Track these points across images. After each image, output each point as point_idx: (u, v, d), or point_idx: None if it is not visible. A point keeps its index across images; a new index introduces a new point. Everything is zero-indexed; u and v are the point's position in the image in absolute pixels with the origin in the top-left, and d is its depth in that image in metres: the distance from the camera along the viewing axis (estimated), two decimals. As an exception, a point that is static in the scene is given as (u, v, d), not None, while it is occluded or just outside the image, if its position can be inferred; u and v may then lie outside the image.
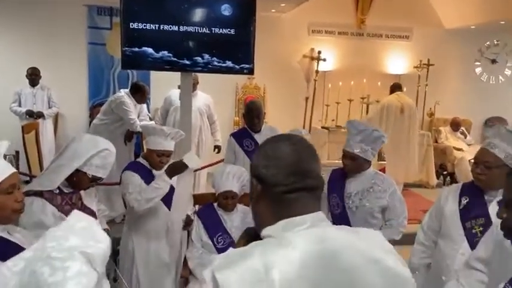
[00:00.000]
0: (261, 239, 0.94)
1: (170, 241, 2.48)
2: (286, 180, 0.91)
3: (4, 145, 1.39)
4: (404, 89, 6.53)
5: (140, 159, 2.53)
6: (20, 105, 5.35)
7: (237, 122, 6.59)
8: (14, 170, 1.41)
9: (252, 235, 1.03)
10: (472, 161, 1.91)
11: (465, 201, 1.87)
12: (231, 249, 0.89)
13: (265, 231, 0.92)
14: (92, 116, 6.08)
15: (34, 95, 5.39)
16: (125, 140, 4.33)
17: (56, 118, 5.90)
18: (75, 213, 0.84)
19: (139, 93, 4.36)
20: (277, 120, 6.66)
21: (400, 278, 0.90)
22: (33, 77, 5.36)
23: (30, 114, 5.26)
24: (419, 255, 2.07)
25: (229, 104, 6.59)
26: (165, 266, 2.48)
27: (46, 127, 5.42)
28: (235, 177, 2.46)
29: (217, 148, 4.83)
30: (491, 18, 6.07)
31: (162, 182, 2.33)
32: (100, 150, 1.89)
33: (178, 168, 2.38)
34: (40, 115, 5.31)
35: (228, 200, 2.44)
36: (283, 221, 0.90)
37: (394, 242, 2.33)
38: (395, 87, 5.85)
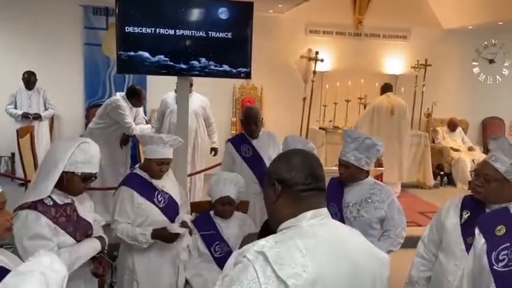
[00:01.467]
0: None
1: (170, 253, 2.45)
2: (305, 181, 1.15)
3: None
4: (402, 89, 6.56)
5: (138, 171, 2.47)
6: (15, 108, 5.30)
7: (234, 122, 6.56)
8: (1, 189, 1.39)
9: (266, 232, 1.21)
10: (472, 171, 1.89)
11: (466, 215, 1.85)
12: (262, 240, 1.06)
13: (285, 224, 1.13)
14: (87, 117, 6.05)
15: (30, 97, 5.35)
16: (121, 143, 4.29)
17: (52, 119, 5.87)
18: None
19: (136, 97, 4.31)
20: (275, 121, 6.66)
21: (381, 257, 1.20)
22: (29, 83, 5.34)
23: (26, 116, 5.23)
24: (419, 268, 2.03)
25: (226, 104, 6.57)
26: (166, 277, 2.45)
27: (42, 129, 5.39)
28: (232, 183, 2.44)
29: (214, 150, 4.80)
30: (489, 18, 6.06)
31: (143, 238, 2.31)
32: (78, 144, 1.85)
33: (164, 237, 2.35)
34: (37, 117, 5.27)
35: (225, 206, 2.42)
36: (302, 214, 1.12)
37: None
38: (386, 88, 5.84)
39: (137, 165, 2.59)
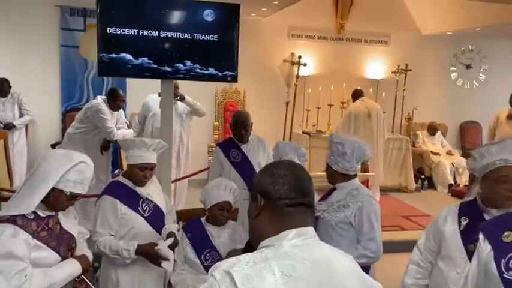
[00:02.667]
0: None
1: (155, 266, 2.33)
2: (290, 195, 1.05)
3: None
4: (383, 94, 6.62)
5: (121, 179, 2.35)
6: None
7: (216, 126, 6.47)
8: None
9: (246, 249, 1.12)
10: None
11: (465, 222, 1.82)
12: (234, 257, 0.97)
13: (265, 242, 1.03)
14: (64, 121, 5.83)
15: (3, 103, 5.09)
16: (101, 149, 4.12)
17: (27, 124, 5.61)
18: None
19: (112, 100, 4.13)
20: (257, 125, 6.53)
21: (375, 286, 1.08)
22: (2, 92, 5.08)
23: None
24: (415, 275, 1.98)
25: (208, 108, 6.39)
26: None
27: (17, 135, 5.14)
28: (231, 190, 2.39)
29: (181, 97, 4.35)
30: (467, 25, 6.20)
31: (126, 254, 2.19)
32: (75, 164, 1.74)
33: (150, 255, 2.22)
34: (10, 126, 5.02)
35: (223, 211, 2.35)
36: (284, 232, 1.02)
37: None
38: (358, 94, 5.91)
39: (116, 171, 2.47)
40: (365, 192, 2.26)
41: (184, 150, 4.67)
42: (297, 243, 1.00)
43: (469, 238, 1.76)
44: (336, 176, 2.27)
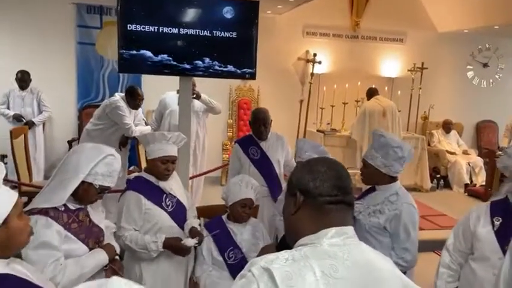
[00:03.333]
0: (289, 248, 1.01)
1: (179, 259, 2.33)
2: (331, 192, 1.02)
3: (2, 170, 1.26)
4: (399, 92, 6.56)
5: (143, 174, 2.36)
6: (8, 108, 5.12)
7: (230, 124, 6.47)
8: (16, 193, 1.31)
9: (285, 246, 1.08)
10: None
11: (498, 222, 1.79)
12: (272, 254, 0.95)
13: (304, 240, 1.00)
14: (80, 118, 5.89)
15: (23, 98, 5.16)
16: (120, 145, 4.15)
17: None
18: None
19: (131, 98, 4.17)
20: (272, 123, 6.58)
21: None
22: (23, 83, 5.15)
23: (18, 118, 5.04)
24: (446, 279, 1.96)
25: (222, 106, 6.37)
26: (175, 285, 2.34)
27: (36, 131, 5.20)
28: (253, 187, 2.38)
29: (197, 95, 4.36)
30: (484, 23, 6.11)
31: (154, 246, 2.20)
32: (104, 157, 1.76)
33: (177, 248, 2.25)
34: (30, 124, 5.09)
35: (246, 208, 2.34)
36: (324, 230, 0.99)
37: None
38: (373, 93, 5.87)
39: (132, 167, 2.48)
40: (404, 199, 2.12)
41: (200, 148, 4.68)
42: (337, 243, 0.97)
43: (504, 238, 1.72)
44: (382, 178, 2.13)
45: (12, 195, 1.26)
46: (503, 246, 1.73)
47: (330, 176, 1.04)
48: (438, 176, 6.54)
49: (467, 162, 6.50)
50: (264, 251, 2.05)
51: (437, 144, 6.84)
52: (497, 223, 1.79)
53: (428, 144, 6.72)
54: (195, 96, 4.30)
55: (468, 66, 7.20)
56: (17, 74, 5.15)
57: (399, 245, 2.06)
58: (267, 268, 0.89)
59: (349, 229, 1.02)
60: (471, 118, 7.39)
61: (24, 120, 5.07)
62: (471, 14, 6.26)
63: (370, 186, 2.24)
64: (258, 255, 1.93)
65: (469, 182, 6.39)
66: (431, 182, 6.35)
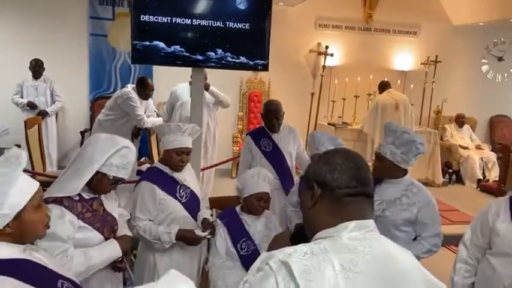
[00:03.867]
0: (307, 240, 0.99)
1: (193, 248, 2.35)
2: (350, 184, 0.99)
3: (24, 158, 1.26)
4: (411, 86, 6.48)
5: (158, 165, 2.37)
6: (22, 97, 5.18)
7: (241, 117, 6.47)
8: (38, 183, 1.32)
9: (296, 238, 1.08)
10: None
11: None
12: (290, 247, 0.93)
13: (322, 233, 0.98)
14: (92, 109, 5.93)
15: (36, 87, 5.22)
16: (132, 136, 4.18)
17: (57, 112, 5.73)
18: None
19: (141, 88, 4.18)
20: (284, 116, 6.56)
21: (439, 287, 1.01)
22: (37, 69, 5.21)
23: (31, 106, 5.10)
24: (463, 274, 1.96)
25: (233, 98, 6.38)
26: (189, 274, 2.35)
27: (48, 121, 5.26)
28: (269, 180, 2.36)
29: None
30: (500, 16, 5.99)
31: (167, 237, 2.22)
32: (119, 149, 1.77)
33: (190, 239, 2.27)
34: (44, 114, 5.15)
35: (261, 201, 2.33)
36: (344, 223, 0.96)
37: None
38: (385, 86, 5.82)
39: (143, 158, 2.48)
40: (423, 187, 2.21)
41: (211, 140, 4.69)
42: (357, 236, 0.95)
43: None
44: (395, 170, 2.17)
45: (31, 186, 1.27)
46: None
47: (348, 167, 1.01)
48: (450, 170, 6.47)
49: (480, 157, 6.41)
50: (276, 239, 2.05)
51: (450, 139, 6.76)
52: None
53: (441, 139, 6.65)
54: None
55: (483, 60, 7.06)
56: (30, 63, 5.21)
57: (430, 233, 2.12)
58: (285, 261, 0.88)
59: (370, 222, 0.99)
60: (485, 112, 7.28)
61: (38, 109, 5.12)
62: (487, 6, 6.14)
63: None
64: (270, 244, 1.94)
65: (481, 177, 6.31)
66: (443, 177, 6.29)
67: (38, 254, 1.30)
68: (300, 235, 1.07)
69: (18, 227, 1.23)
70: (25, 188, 1.24)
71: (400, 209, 2.13)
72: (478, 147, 6.68)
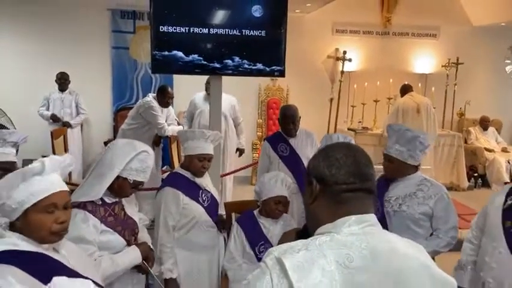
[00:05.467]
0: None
1: (211, 255, 2.40)
2: (348, 180, 0.97)
3: (69, 158, 1.32)
4: (433, 89, 6.38)
5: (179, 170, 2.41)
6: (48, 110, 5.38)
7: (260, 124, 6.50)
8: (61, 188, 1.33)
9: (302, 234, 1.08)
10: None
11: (511, 201, 1.84)
12: (287, 244, 0.93)
13: (321, 229, 0.96)
14: (116, 120, 6.09)
15: (62, 100, 5.41)
16: (153, 144, 4.26)
17: (82, 123, 5.91)
18: None
19: (161, 96, 4.29)
20: (302, 123, 6.51)
21: (447, 285, 0.97)
22: (62, 81, 5.40)
23: (54, 119, 5.28)
24: (468, 252, 2.07)
25: (252, 106, 6.51)
26: (208, 278, 2.39)
27: (74, 132, 5.44)
28: (287, 184, 2.38)
29: (240, 151, 4.71)
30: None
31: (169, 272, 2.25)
32: (138, 153, 1.83)
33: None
34: (67, 125, 5.33)
35: (279, 205, 2.34)
36: (342, 218, 0.94)
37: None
38: (407, 89, 5.76)
39: (165, 167, 2.53)
40: (436, 181, 2.30)
41: (228, 148, 4.73)
42: (355, 231, 0.92)
43: (508, 215, 1.82)
44: (406, 168, 2.25)
45: (48, 188, 1.29)
46: (504, 223, 1.81)
47: (346, 162, 0.98)
48: (476, 174, 6.30)
49: (506, 160, 6.23)
50: (285, 236, 2.06)
51: (475, 142, 6.59)
52: (509, 202, 1.85)
53: (465, 142, 6.50)
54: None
55: (506, 61, 6.90)
56: (56, 75, 5.41)
57: (447, 226, 2.18)
58: (279, 258, 0.87)
59: (370, 217, 0.96)
60: (510, 114, 7.08)
61: (62, 121, 5.31)
62: (508, 6, 6.01)
63: (379, 185, 2.28)
64: (278, 241, 1.95)
65: (509, 180, 6.12)
66: (469, 181, 6.13)
67: (64, 251, 1.35)
68: (306, 232, 1.07)
69: (25, 225, 1.27)
70: (39, 189, 1.28)
71: (417, 202, 2.20)
72: (504, 150, 6.49)
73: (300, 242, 0.91)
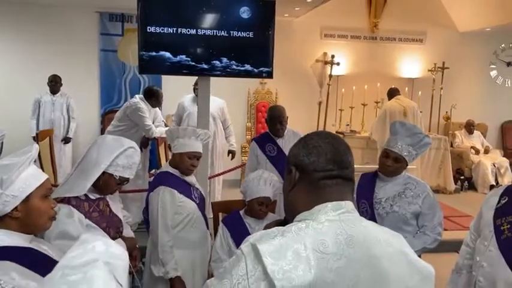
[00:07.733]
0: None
1: (204, 249, 2.41)
2: (326, 167, 0.97)
3: (35, 148, 1.32)
4: (419, 93, 6.47)
5: (168, 168, 2.39)
6: (39, 112, 5.35)
7: (249, 127, 6.51)
8: (46, 175, 1.36)
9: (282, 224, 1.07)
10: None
11: (504, 200, 1.84)
12: (263, 231, 0.93)
13: (299, 216, 0.96)
14: (103, 123, 6.04)
15: (53, 102, 5.40)
16: (141, 146, 4.23)
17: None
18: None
19: (154, 97, 4.30)
20: (290, 125, 6.56)
21: (425, 271, 0.98)
22: (54, 84, 5.37)
23: (67, 140, 5.51)
24: (464, 256, 2.05)
25: (241, 109, 6.52)
26: (201, 275, 2.40)
27: (63, 136, 5.44)
28: (271, 183, 2.36)
29: (232, 153, 4.74)
30: (508, 21, 5.97)
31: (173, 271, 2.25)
32: (125, 149, 1.82)
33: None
34: (68, 140, 5.48)
35: (262, 206, 2.33)
36: (318, 205, 0.95)
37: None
38: (393, 92, 5.81)
39: (153, 170, 2.52)
40: (419, 179, 2.35)
41: (217, 150, 4.72)
42: (331, 218, 0.92)
43: (499, 214, 1.81)
44: (403, 169, 2.30)
45: (40, 175, 1.32)
46: (495, 220, 1.81)
47: (325, 150, 0.99)
48: (462, 177, 6.38)
49: (492, 163, 6.32)
50: (266, 227, 2.05)
51: (461, 145, 6.68)
52: (502, 201, 1.85)
53: (451, 145, 6.58)
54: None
55: (491, 66, 7.05)
56: (48, 78, 5.38)
57: (433, 222, 2.23)
58: (254, 244, 0.86)
59: (347, 204, 0.96)
60: (495, 118, 7.20)
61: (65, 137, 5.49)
62: (493, 11, 6.14)
63: (364, 184, 2.34)
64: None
65: (494, 183, 6.21)
66: (455, 184, 6.20)
67: (44, 246, 1.33)
68: (287, 222, 1.06)
69: (25, 212, 1.27)
70: (35, 176, 1.30)
71: (407, 202, 2.24)
72: (486, 151, 6.58)
73: (275, 229, 0.91)
